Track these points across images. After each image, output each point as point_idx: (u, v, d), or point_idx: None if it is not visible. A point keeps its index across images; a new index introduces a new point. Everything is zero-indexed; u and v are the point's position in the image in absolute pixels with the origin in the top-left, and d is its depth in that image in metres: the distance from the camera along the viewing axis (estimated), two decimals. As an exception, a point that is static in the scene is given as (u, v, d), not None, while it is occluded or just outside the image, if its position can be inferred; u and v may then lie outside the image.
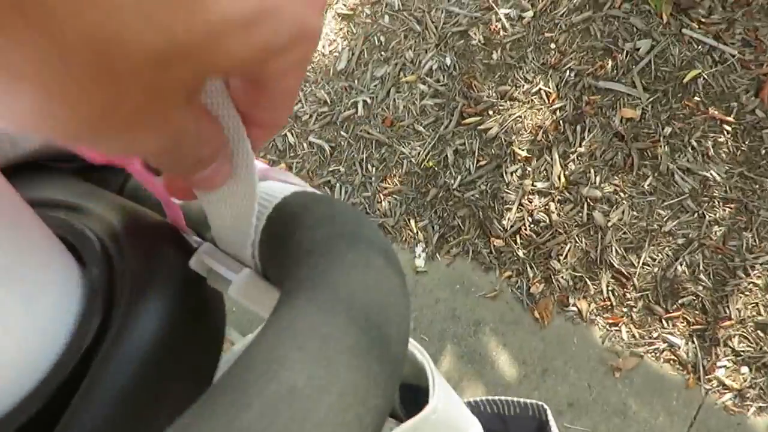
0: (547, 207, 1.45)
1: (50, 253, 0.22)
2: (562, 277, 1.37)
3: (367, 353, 0.16)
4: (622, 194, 1.40)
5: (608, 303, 1.32)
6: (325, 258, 0.19)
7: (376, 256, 0.19)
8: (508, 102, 1.59)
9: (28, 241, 0.20)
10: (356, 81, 1.77)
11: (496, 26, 1.68)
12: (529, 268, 1.40)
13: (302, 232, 0.20)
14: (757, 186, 1.32)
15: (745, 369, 1.19)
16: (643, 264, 1.32)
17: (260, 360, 0.15)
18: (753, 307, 1.23)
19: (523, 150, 1.52)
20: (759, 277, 1.24)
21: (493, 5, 1.70)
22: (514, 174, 1.51)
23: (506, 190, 1.50)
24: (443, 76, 1.68)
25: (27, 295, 0.20)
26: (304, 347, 0.15)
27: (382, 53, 1.78)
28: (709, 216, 1.32)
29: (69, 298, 0.22)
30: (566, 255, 1.39)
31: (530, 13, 1.66)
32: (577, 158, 1.47)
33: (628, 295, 1.31)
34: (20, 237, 0.20)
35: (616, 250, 1.35)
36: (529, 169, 1.50)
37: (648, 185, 1.39)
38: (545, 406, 0.47)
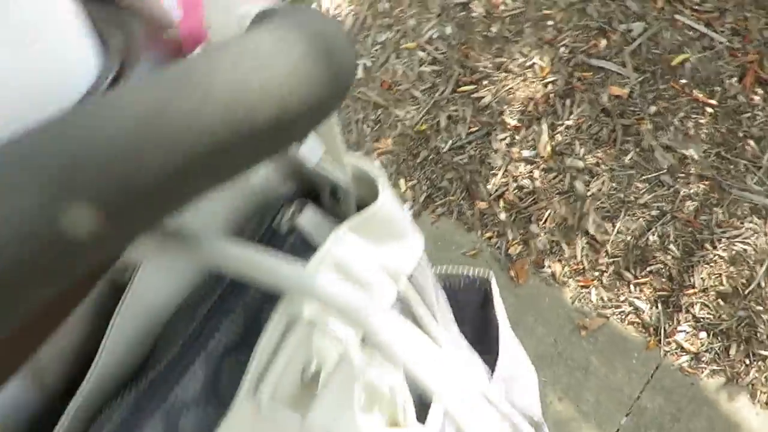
0: (531, 174, 1.51)
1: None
2: (539, 240, 1.44)
3: (318, 56, 0.22)
4: (603, 166, 1.46)
5: (581, 267, 1.38)
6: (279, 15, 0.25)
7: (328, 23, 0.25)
8: (502, 73, 1.64)
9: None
10: (359, 45, 1.82)
11: (497, 0, 1.73)
12: (509, 231, 1.46)
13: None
14: (732, 166, 1.38)
15: (703, 334, 1.25)
16: (617, 232, 1.38)
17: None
18: (716, 277, 1.29)
19: (513, 119, 1.57)
20: (725, 250, 1.30)
21: (500, -20, 1.75)
22: (502, 141, 1.56)
23: (494, 156, 1.55)
24: (442, 45, 1.73)
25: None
26: (261, 40, 0.21)
27: (386, 19, 1.83)
28: (684, 191, 1.38)
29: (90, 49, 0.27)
30: (545, 220, 1.45)
31: (531, -10, 1.72)
32: (564, 130, 1.53)
33: (601, 261, 1.37)
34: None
35: (593, 219, 1.41)
36: (517, 137, 1.56)
37: (629, 159, 1.45)
38: (490, 277, 0.53)
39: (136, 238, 0.21)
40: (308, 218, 0.38)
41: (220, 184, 0.22)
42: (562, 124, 1.53)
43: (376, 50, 1.80)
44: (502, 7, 1.72)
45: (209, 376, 0.36)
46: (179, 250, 0.34)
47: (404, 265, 0.38)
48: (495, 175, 1.54)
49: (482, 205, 1.52)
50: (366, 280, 0.35)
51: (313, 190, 0.40)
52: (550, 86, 1.58)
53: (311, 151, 0.34)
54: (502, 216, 1.49)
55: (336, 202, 0.40)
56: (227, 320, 0.36)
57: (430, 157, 1.62)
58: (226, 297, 0.38)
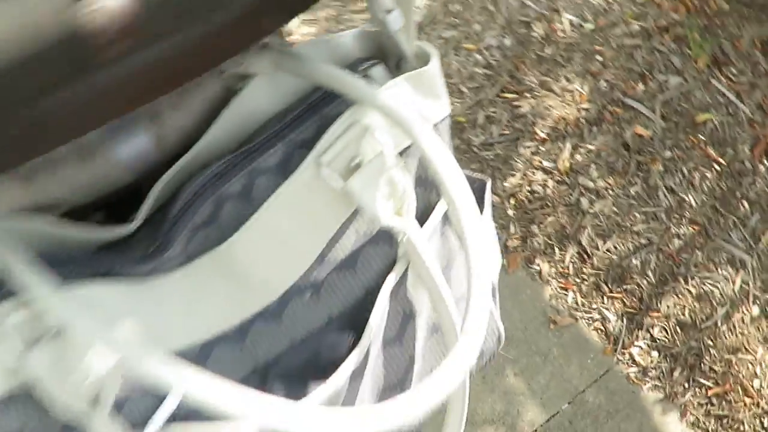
0: (545, 183, 1.67)
1: None
2: (536, 240, 1.59)
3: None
4: (610, 191, 1.62)
5: (566, 271, 1.54)
6: None
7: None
8: (544, 91, 1.81)
9: None
10: (425, 36, 1.99)
11: (557, 27, 1.90)
12: (512, 225, 1.62)
13: None
14: (722, 219, 1.53)
15: (655, 353, 1.40)
16: (606, 250, 1.54)
17: None
18: (680, 308, 1.44)
19: (542, 132, 1.74)
20: (695, 287, 1.45)
21: (561, 9, 1.92)
22: (528, 149, 1.73)
23: (517, 159, 1.72)
24: (498, 54, 1.90)
25: None
26: None
27: (454, 19, 2.01)
28: (674, 229, 1.53)
29: None
30: (546, 224, 1.61)
31: (590, 25, 1.88)
32: (585, 153, 1.69)
33: (584, 270, 1.53)
34: None
35: (588, 233, 1.57)
36: (542, 148, 1.72)
37: (634, 191, 1.60)
38: (488, 182, 0.69)
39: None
40: (378, 72, 0.55)
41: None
42: (585, 147, 1.69)
43: (439, 44, 1.97)
44: (560, 34, 1.89)
45: (284, 157, 0.53)
46: (290, 67, 0.52)
47: (434, 115, 0.55)
48: (513, 175, 1.70)
49: (495, 198, 1.68)
50: (410, 110, 0.52)
51: (381, 59, 0.57)
52: (583, 112, 1.74)
53: (395, 20, 0.50)
54: (510, 212, 1.65)
55: (397, 70, 0.57)
56: (307, 123, 0.54)
57: (461, 146, 1.78)
58: (308, 110, 0.55)
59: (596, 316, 1.47)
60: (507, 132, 1.76)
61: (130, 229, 0.53)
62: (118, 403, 0.45)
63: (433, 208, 0.56)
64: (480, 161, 1.74)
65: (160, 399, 0.48)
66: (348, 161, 0.50)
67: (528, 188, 1.67)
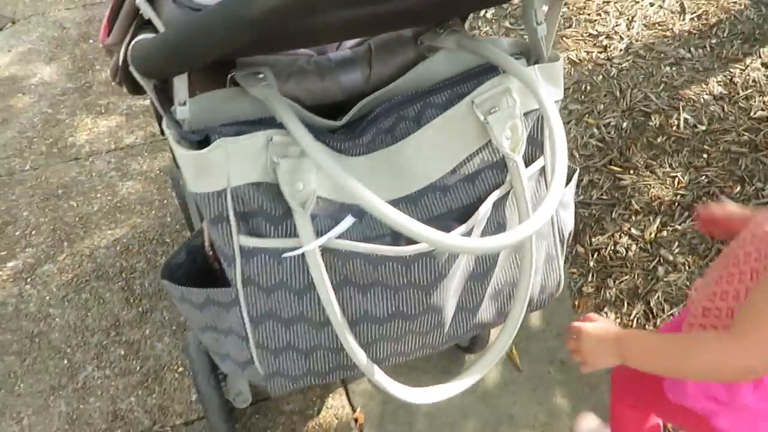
0: (629, 247, 1.86)
1: None
2: (609, 292, 1.78)
3: None
4: (687, 267, 1.78)
5: (630, 324, 1.71)
6: None
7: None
8: (647, 172, 2.01)
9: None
10: (552, 103, 2.27)
11: (674, 122, 2.12)
12: (590, 275, 1.82)
13: None
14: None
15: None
16: (670, 314, 1.70)
17: None
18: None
19: (637, 205, 1.94)
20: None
21: (680, 107, 2.14)
22: (620, 216, 1.93)
23: (608, 222, 1.92)
24: (614, 132, 2.14)
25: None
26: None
27: (582, 96, 2.27)
28: (738, 313, 1.67)
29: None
30: (621, 281, 1.79)
31: (703, 127, 2.09)
32: (671, 231, 1.87)
33: (647, 327, 1.69)
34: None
35: (659, 297, 1.74)
36: (633, 218, 1.92)
37: (709, 273, 1.76)
38: (576, 170, 0.94)
39: None
40: (522, 62, 0.83)
41: None
42: (672, 226, 1.87)
43: (564, 114, 2.24)
44: (674, 128, 2.11)
45: (448, 99, 0.82)
46: (469, 46, 0.81)
47: (553, 95, 0.82)
48: (602, 234, 1.90)
49: (580, 249, 1.89)
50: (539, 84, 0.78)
51: (526, 57, 0.84)
52: (678, 196, 1.93)
53: (543, 29, 0.78)
54: (591, 263, 1.85)
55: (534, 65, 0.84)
56: (468, 82, 0.82)
57: (561, 200, 2.01)
58: (471, 74, 0.83)
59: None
60: (605, 197, 1.98)
61: (338, 124, 0.83)
62: (312, 215, 0.73)
63: (535, 160, 0.83)
64: (576, 214, 1.96)
65: (337, 222, 0.76)
66: (490, 107, 0.78)
67: (612, 248, 1.87)
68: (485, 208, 0.78)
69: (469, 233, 0.77)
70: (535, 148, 0.82)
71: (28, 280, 1.85)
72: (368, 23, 0.72)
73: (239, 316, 0.76)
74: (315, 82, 0.86)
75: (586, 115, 2.21)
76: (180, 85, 0.67)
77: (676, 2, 2.55)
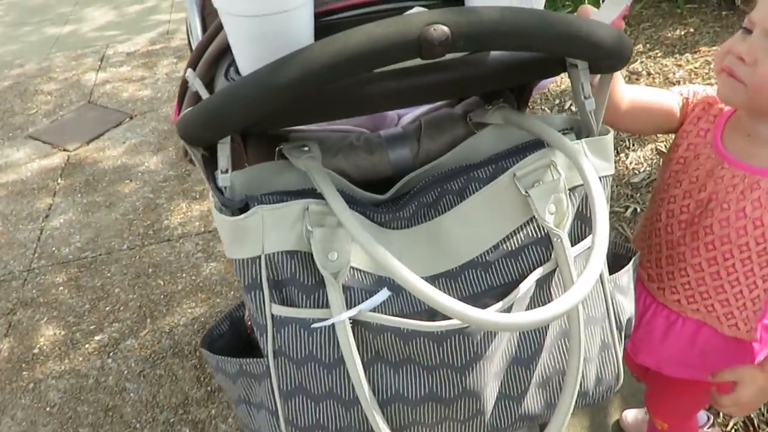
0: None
1: None
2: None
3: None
4: None
5: None
6: None
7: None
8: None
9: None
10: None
11: None
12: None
13: None
14: None
15: None
16: None
17: None
18: None
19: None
20: None
21: None
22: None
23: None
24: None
25: None
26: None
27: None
28: None
29: None
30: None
31: None
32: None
33: None
34: None
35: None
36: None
37: None
38: (637, 253, 0.88)
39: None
40: (570, 136, 0.80)
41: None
42: None
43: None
44: None
45: (493, 174, 0.80)
46: (516, 121, 0.80)
47: (602, 170, 0.78)
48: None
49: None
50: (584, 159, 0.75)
51: (575, 132, 0.82)
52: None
53: (591, 103, 0.76)
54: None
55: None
56: (513, 158, 0.80)
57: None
58: (516, 150, 0.81)
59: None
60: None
61: (383, 198, 0.83)
62: (345, 286, 0.72)
63: (584, 238, 0.78)
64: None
65: (372, 295, 0.74)
66: (533, 181, 0.75)
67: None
68: (526, 286, 0.73)
69: (508, 310, 0.72)
70: (584, 224, 0.78)
71: (111, 353, 1.93)
72: (399, 95, 0.73)
73: (269, 389, 0.75)
74: (364, 158, 0.87)
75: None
76: (222, 153, 0.69)
77: None
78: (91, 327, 2.03)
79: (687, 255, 1.00)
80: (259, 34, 0.65)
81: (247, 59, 0.69)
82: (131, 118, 3.24)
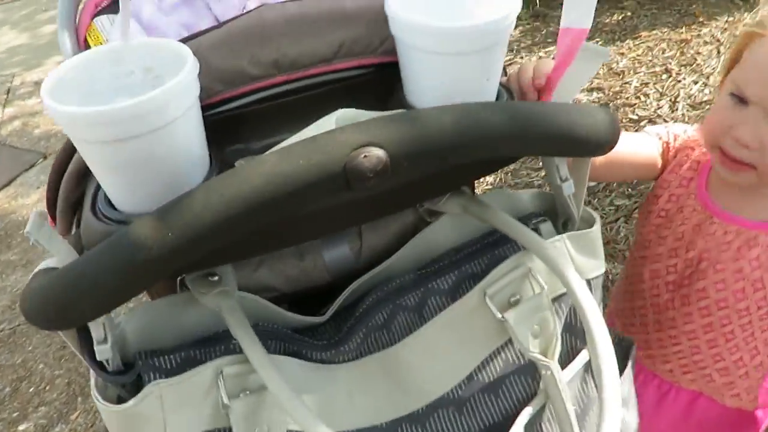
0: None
1: None
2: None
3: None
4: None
5: None
6: None
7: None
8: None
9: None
10: (597, 201, 2.07)
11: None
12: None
13: None
14: None
15: None
16: None
17: None
18: None
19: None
20: None
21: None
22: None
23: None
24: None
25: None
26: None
27: (628, 189, 2.07)
28: None
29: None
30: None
31: None
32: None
33: None
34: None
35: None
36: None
37: None
38: (633, 343, 0.74)
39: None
40: (546, 227, 0.65)
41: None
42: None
43: (611, 210, 2.03)
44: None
45: (456, 283, 0.64)
46: (476, 211, 0.64)
47: (590, 271, 0.63)
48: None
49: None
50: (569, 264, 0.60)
51: (551, 217, 0.67)
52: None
53: (569, 186, 0.61)
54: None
55: (563, 228, 0.66)
56: (479, 259, 0.64)
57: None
58: (483, 248, 0.66)
59: None
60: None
61: (321, 320, 0.66)
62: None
63: (577, 354, 0.63)
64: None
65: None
66: (509, 296, 0.60)
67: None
68: None
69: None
70: (574, 337, 0.63)
71: (39, 445, 1.71)
72: (331, 223, 0.57)
73: None
74: (293, 266, 0.70)
75: (636, 210, 2.00)
76: (94, 323, 0.51)
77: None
78: (14, 414, 1.80)
79: (678, 321, 0.87)
80: (126, 162, 0.47)
81: (119, 192, 0.51)
82: (45, 157, 2.96)
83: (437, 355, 0.61)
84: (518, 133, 0.46)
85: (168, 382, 0.53)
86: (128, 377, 0.54)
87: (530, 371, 0.60)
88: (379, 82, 0.60)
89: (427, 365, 0.61)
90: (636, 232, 0.93)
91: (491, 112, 0.46)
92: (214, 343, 0.58)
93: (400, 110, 0.50)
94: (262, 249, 0.58)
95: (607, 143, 0.53)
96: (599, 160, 0.82)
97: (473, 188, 0.73)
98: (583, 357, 0.62)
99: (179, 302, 0.61)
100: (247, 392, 0.55)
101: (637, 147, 0.85)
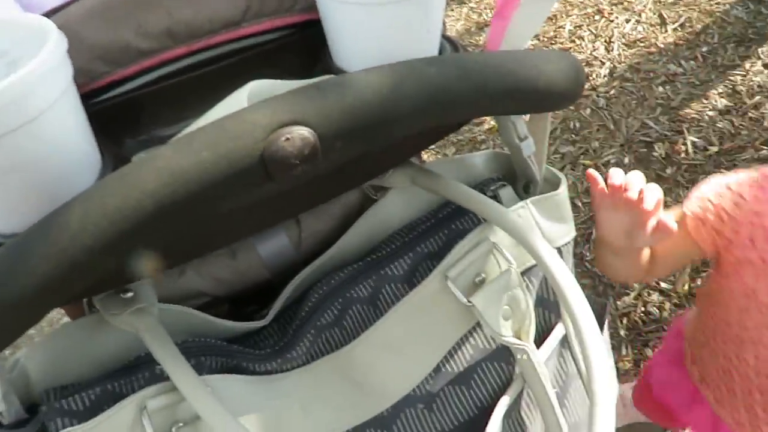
0: (662, 304, 1.60)
1: None
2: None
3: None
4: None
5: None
6: None
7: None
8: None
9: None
10: (541, 148, 2.03)
11: (680, 148, 1.88)
12: (623, 347, 1.56)
13: None
14: None
15: None
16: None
17: None
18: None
19: (661, 253, 1.68)
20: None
21: (685, 130, 1.90)
22: (644, 269, 1.67)
23: (632, 278, 1.66)
24: (616, 171, 1.89)
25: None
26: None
27: (573, 135, 2.04)
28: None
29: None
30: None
31: (715, 148, 1.85)
32: (706, 277, 1.61)
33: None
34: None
35: (710, 364, 1.47)
36: (659, 269, 1.66)
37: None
38: (607, 304, 0.68)
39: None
40: (506, 193, 0.58)
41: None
42: (706, 270, 1.61)
43: (556, 159, 2.00)
44: (682, 154, 1.86)
45: (411, 267, 0.57)
46: (425, 183, 0.56)
47: (559, 238, 0.57)
48: (627, 294, 1.64)
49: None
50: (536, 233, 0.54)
51: (510, 181, 0.60)
52: (705, 235, 1.68)
53: (528, 146, 0.54)
54: (622, 332, 1.58)
55: (525, 193, 0.59)
56: (435, 237, 0.57)
57: (574, 261, 1.75)
58: (437, 224, 0.58)
59: None
60: (623, 250, 1.72)
61: (260, 324, 0.58)
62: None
63: (552, 329, 0.57)
64: (592, 277, 1.70)
65: None
66: (473, 277, 0.53)
67: (642, 309, 1.60)
68: (494, 429, 0.52)
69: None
70: (548, 312, 0.57)
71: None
72: (262, 219, 0.48)
73: None
74: (224, 266, 0.61)
75: (581, 156, 1.97)
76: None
77: (654, 14, 2.34)
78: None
79: None
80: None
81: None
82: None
83: (398, 350, 0.54)
84: (473, 91, 0.38)
85: (81, 429, 0.44)
86: (29, 429, 0.45)
87: (503, 356, 0.54)
88: (300, 46, 0.50)
89: (388, 362, 0.54)
90: (707, 313, 0.81)
91: (437, 68, 0.38)
92: (135, 371, 0.50)
93: (326, 76, 0.41)
94: (179, 258, 0.49)
95: (572, 93, 0.45)
96: (645, 264, 0.73)
97: (420, 156, 0.65)
98: (558, 332, 0.56)
99: (89, 326, 0.52)
100: (180, 425, 0.47)
101: (676, 245, 0.73)
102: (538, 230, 0.55)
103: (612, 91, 2.11)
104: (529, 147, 0.55)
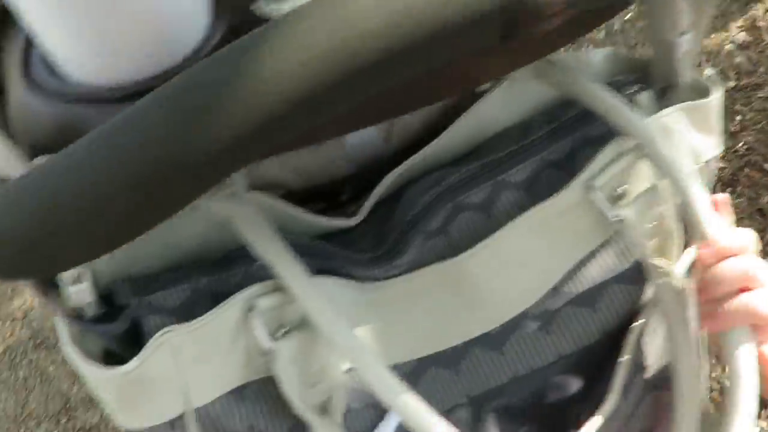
0: (668, 238, 1.58)
1: None
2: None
3: None
4: (739, 258, 1.52)
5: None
6: None
7: None
8: (676, 143, 1.73)
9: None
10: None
11: (697, 80, 1.82)
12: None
13: None
14: None
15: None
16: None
17: None
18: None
19: (669, 186, 1.66)
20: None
21: (701, 63, 1.84)
22: (652, 200, 1.65)
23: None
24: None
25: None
26: None
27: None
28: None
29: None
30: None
31: (732, 83, 1.80)
32: (714, 214, 1.60)
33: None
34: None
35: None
36: (667, 202, 1.64)
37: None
38: None
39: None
40: (645, 98, 0.51)
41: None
42: (715, 208, 1.60)
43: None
44: (698, 87, 1.81)
45: (532, 174, 0.50)
46: (553, 78, 0.47)
47: (706, 152, 0.50)
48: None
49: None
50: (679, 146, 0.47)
51: (643, 83, 0.52)
52: (717, 171, 1.65)
53: (685, 43, 0.46)
54: None
55: (663, 99, 0.52)
56: (560, 143, 0.50)
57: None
58: (561, 128, 0.51)
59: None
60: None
61: (354, 223, 0.51)
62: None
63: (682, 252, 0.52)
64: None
65: (380, 414, 0.44)
66: (614, 189, 0.46)
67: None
68: (622, 374, 0.47)
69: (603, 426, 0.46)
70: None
71: (-50, 360, 1.51)
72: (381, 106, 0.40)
73: None
74: (307, 155, 0.53)
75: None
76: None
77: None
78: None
79: None
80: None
81: (73, 48, 0.31)
82: None
83: (517, 264, 0.48)
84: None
85: (186, 328, 0.37)
86: (118, 325, 0.37)
87: (633, 278, 0.48)
88: None
89: (504, 277, 0.48)
90: None
91: None
92: (226, 266, 0.42)
93: None
94: (311, 138, 0.41)
95: None
96: None
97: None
98: (689, 255, 0.51)
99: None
100: (286, 329, 0.40)
101: None
102: (685, 143, 0.48)
103: (627, 17, 2.02)
104: (687, 43, 0.47)
